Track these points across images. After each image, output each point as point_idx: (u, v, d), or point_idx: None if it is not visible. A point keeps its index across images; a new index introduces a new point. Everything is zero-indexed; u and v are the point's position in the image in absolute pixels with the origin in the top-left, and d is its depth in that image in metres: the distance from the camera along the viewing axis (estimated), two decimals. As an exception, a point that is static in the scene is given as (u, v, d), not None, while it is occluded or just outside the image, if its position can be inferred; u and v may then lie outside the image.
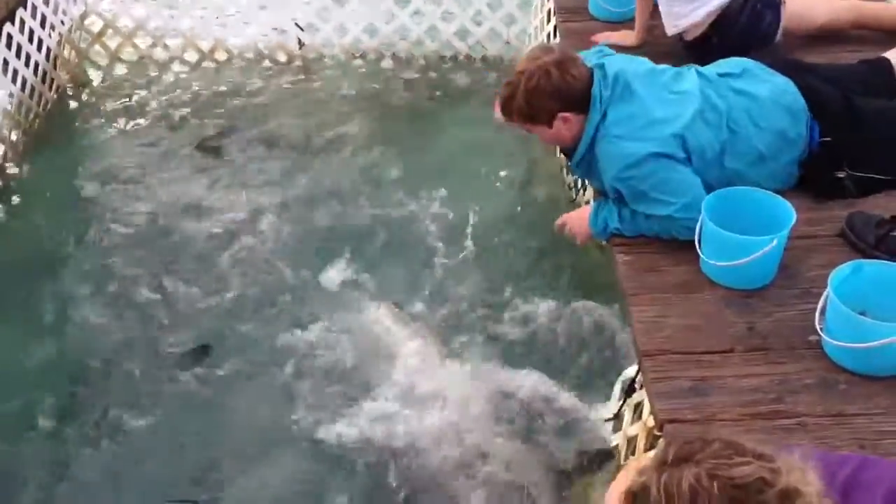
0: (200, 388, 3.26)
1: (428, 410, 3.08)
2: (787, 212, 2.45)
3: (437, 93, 5.09)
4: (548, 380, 3.18)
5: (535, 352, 3.33)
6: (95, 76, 5.37)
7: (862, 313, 2.18)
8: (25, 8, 4.71)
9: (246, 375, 3.30)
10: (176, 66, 5.42)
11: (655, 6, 3.52)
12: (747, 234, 2.40)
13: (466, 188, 4.21)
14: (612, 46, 3.51)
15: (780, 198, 2.52)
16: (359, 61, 5.42)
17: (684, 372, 2.24)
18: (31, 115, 4.78)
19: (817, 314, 2.28)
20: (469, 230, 3.95)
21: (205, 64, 5.43)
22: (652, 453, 2.07)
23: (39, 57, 4.86)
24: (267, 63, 5.42)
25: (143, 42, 5.43)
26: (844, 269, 2.26)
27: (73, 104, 5.12)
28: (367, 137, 4.68)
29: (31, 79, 4.75)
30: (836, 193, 2.75)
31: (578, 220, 2.86)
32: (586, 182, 3.43)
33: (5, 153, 4.46)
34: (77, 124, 4.96)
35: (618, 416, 2.89)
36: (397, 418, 3.07)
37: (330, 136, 4.71)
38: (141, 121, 4.91)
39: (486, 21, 5.30)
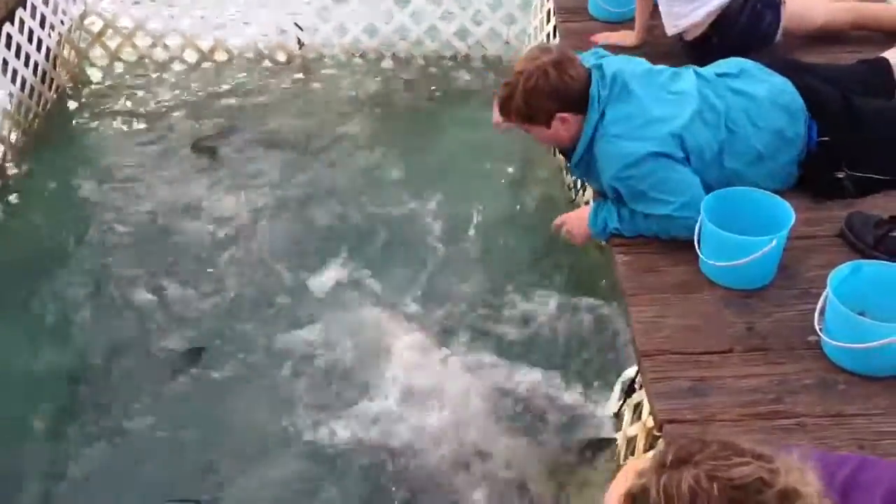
0: (200, 388, 3.27)
1: (427, 409, 3.09)
2: (787, 212, 2.46)
3: (437, 93, 5.09)
4: (548, 378, 3.19)
5: (535, 351, 3.33)
6: (95, 76, 5.37)
7: (861, 314, 2.18)
8: (25, 8, 4.71)
9: (244, 376, 3.30)
10: (176, 67, 5.41)
11: (655, 6, 3.53)
12: (746, 235, 2.40)
13: (466, 188, 4.22)
14: (611, 47, 3.53)
15: (779, 198, 2.53)
16: (359, 61, 5.42)
17: (683, 372, 2.24)
18: (31, 115, 4.78)
19: (816, 314, 2.28)
20: (469, 230, 3.96)
21: (204, 64, 5.43)
22: (651, 453, 2.08)
23: (39, 57, 4.86)
24: (267, 63, 5.42)
25: (142, 42, 5.43)
26: (843, 269, 2.26)
27: (72, 104, 5.12)
28: (366, 137, 4.68)
29: (30, 79, 4.75)
30: (835, 193, 2.75)
31: (577, 220, 2.86)
32: (585, 182, 3.43)
33: (4, 153, 4.46)
34: (76, 124, 4.96)
35: (618, 416, 2.89)
36: (396, 418, 3.08)
37: (329, 136, 4.71)
38: (140, 121, 4.91)
39: (485, 21, 5.30)
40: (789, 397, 2.16)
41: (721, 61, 2.90)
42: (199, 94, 5.15)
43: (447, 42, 5.38)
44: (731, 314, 2.41)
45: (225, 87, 5.22)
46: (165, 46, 5.43)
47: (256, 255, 3.89)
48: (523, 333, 3.41)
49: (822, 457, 1.39)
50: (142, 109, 5.01)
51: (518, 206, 4.13)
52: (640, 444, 2.45)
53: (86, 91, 5.23)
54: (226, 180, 4.38)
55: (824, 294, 2.23)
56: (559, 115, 2.65)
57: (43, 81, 4.91)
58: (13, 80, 4.58)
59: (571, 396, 3.13)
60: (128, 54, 5.43)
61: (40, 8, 4.87)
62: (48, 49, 4.98)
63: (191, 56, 5.44)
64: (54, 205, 4.27)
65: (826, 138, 2.73)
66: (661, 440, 2.18)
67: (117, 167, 4.52)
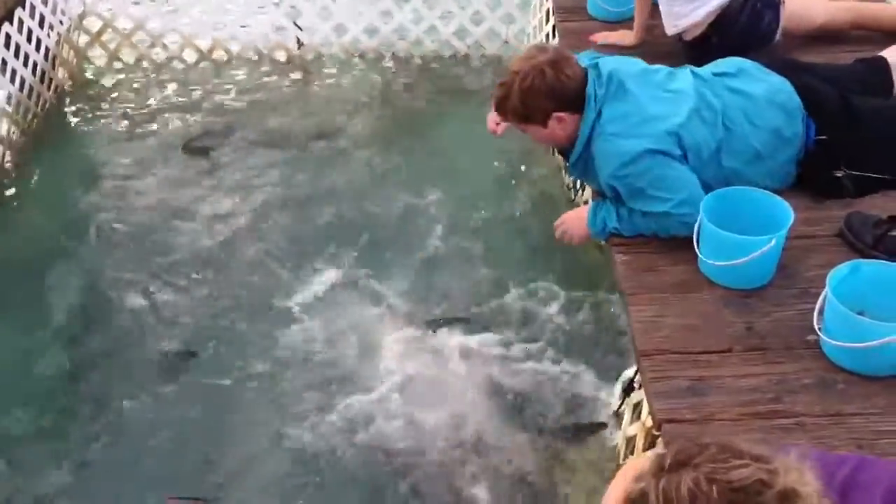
0: (198, 387, 3.27)
1: (426, 406, 3.11)
2: (786, 212, 2.46)
3: (436, 92, 5.09)
4: (547, 376, 3.20)
5: (535, 349, 3.34)
6: (94, 76, 5.37)
7: (860, 313, 2.19)
8: (24, 8, 4.71)
9: (243, 374, 3.31)
10: (175, 66, 5.41)
11: (654, 6, 3.53)
12: (745, 234, 2.40)
13: (465, 187, 4.22)
14: (610, 46, 3.54)
15: (778, 198, 2.53)
16: (358, 61, 5.43)
17: (682, 372, 2.24)
18: (30, 115, 4.78)
19: (815, 314, 2.28)
20: (468, 229, 3.97)
21: (203, 64, 5.43)
22: (650, 452, 2.08)
23: (38, 57, 4.86)
24: (266, 63, 5.42)
25: (141, 42, 5.43)
26: (843, 268, 2.27)
27: (71, 104, 5.11)
28: (365, 137, 4.68)
29: (29, 79, 4.75)
30: (834, 193, 2.76)
31: (576, 220, 2.86)
32: (584, 182, 3.44)
33: (3, 153, 4.46)
34: (75, 124, 4.96)
35: (617, 416, 2.89)
36: (395, 413, 3.09)
37: (328, 135, 4.71)
38: (139, 120, 4.90)
39: (484, 21, 5.31)
40: (788, 397, 2.16)
41: (719, 61, 2.90)
42: (198, 94, 5.15)
43: (446, 42, 5.38)
44: (731, 314, 2.41)
45: (224, 86, 5.22)
46: (164, 46, 5.43)
47: (254, 254, 3.89)
48: (523, 330, 3.42)
49: (821, 456, 1.39)
50: (140, 109, 5.01)
51: (517, 206, 4.13)
52: (640, 443, 2.45)
53: (85, 91, 5.23)
54: (225, 180, 4.38)
55: (823, 293, 2.23)
56: (556, 114, 2.65)
57: (42, 81, 4.91)
58: (12, 80, 4.57)
59: (571, 391, 3.14)
60: (127, 54, 5.43)
61: (39, 8, 4.87)
62: (47, 49, 4.98)
63: (190, 56, 5.44)
64: (53, 204, 4.27)
65: (824, 137, 2.73)
66: (660, 439, 2.18)
67: (116, 167, 4.52)
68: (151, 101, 5.09)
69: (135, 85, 5.27)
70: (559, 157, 3.86)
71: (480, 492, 2.83)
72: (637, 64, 2.80)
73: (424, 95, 5.08)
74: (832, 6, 3.55)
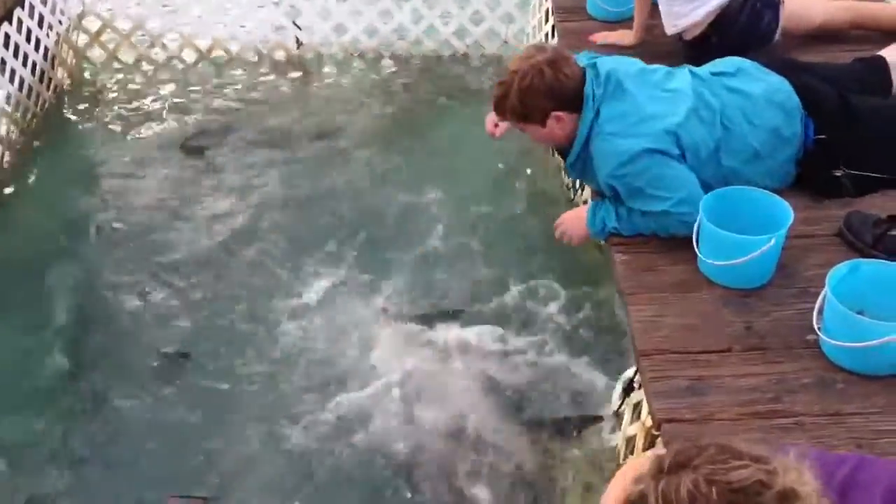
0: (198, 387, 3.27)
1: (425, 404, 3.11)
2: (785, 211, 2.46)
3: (436, 92, 5.09)
4: (547, 373, 3.21)
5: (535, 346, 3.34)
6: (93, 76, 5.36)
7: (860, 312, 2.19)
8: (23, 7, 4.71)
9: (242, 374, 3.31)
10: (174, 66, 5.41)
11: (654, 6, 3.53)
12: (745, 234, 2.40)
13: (465, 187, 4.22)
14: (609, 46, 3.54)
15: (777, 197, 2.53)
16: (357, 60, 5.43)
17: (682, 371, 2.24)
18: (29, 115, 4.77)
19: (815, 313, 2.28)
20: (467, 228, 3.97)
21: (203, 64, 5.43)
22: (650, 452, 2.08)
23: (37, 57, 4.86)
24: (265, 63, 5.41)
25: (141, 42, 5.42)
26: (842, 268, 2.27)
27: (70, 104, 5.11)
28: (364, 137, 4.68)
29: (28, 79, 4.75)
30: (833, 192, 2.76)
31: (575, 220, 2.86)
32: (583, 182, 3.44)
33: (3, 153, 4.46)
34: (74, 124, 4.95)
35: (617, 416, 2.89)
36: (394, 412, 3.09)
37: (327, 135, 4.71)
38: (138, 121, 4.90)
39: (484, 20, 5.31)
40: (788, 396, 2.16)
41: (718, 60, 2.91)
42: (198, 93, 5.15)
43: (446, 41, 5.38)
44: (730, 313, 2.41)
45: (223, 86, 5.22)
46: (164, 46, 5.43)
47: (254, 254, 3.89)
48: (522, 328, 3.43)
49: (821, 456, 1.39)
50: (140, 109, 5.01)
51: (517, 205, 4.13)
52: (640, 443, 2.45)
53: (84, 91, 5.23)
54: (224, 180, 4.38)
55: (823, 293, 2.23)
56: (554, 113, 2.65)
57: (41, 81, 4.91)
58: (11, 80, 4.57)
59: (570, 388, 3.16)
60: (126, 54, 5.43)
61: (38, 8, 4.87)
62: (46, 49, 4.98)
63: (189, 56, 5.44)
64: (51, 204, 4.26)
65: (823, 136, 2.73)
66: (659, 439, 2.18)
67: (115, 167, 4.52)
68: (151, 101, 5.08)
69: (134, 85, 5.26)
70: (559, 157, 3.86)
71: (479, 489, 2.84)
72: (635, 64, 2.81)
73: (424, 95, 5.07)
74: (831, 6, 3.55)
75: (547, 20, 4.48)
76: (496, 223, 4.01)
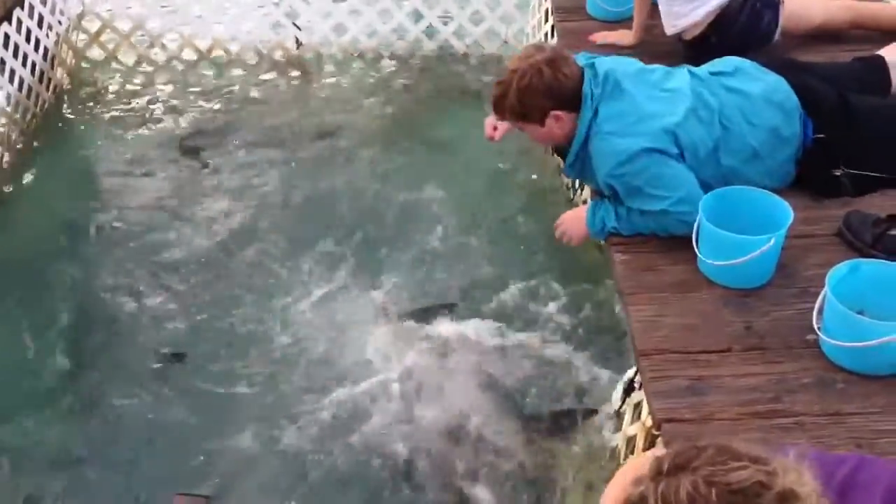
0: (198, 386, 3.27)
1: (424, 401, 3.12)
2: (785, 211, 2.45)
3: (436, 92, 5.09)
4: (547, 369, 3.22)
5: (534, 343, 3.35)
6: (93, 76, 5.36)
7: (860, 312, 2.18)
8: (23, 8, 4.71)
9: (241, 374, 3.31)
10: (174, 66, 5.41)
11: (654, 6, 3.53)
12: (745, 234, 2.39)
13: (464, 187, 4.23)
14: (609, 46, 3.54)
15: (777, 197, 2.52)
16: (357, 60, 5.42)
17: (682, 371, 2.24)
18: (29, 115, 4.77)
19: (815, 313, 2.28)
20: (467, 228, 3.97)
21: (202, 63, 5.43)
22: (649, 452, 2.08)
23: (37, 57, 4.86)
24: (265, 63, 5.41)
25: (140, 42, 5.42)
26: (842, 268, 2.26)
27: (70, 104, 5.11)
28: (364, 137, 4.68)
29: (28, 79, 4.75)
30: (833, 191, 2.76)
31: (574, 220, 2.86)
32: (582, 182, 3.44)
33: (2, 153, 4.46)
34: (74, 124, 4.95)
35: (619, 416, 2.89)
36: (393, 410, 3.10)
37: (327, 135, 4.71)
38: (138, 121, 4.90)
39: (484, 21, 5.30)
40: (788, 396, 2.15)
41: (717, 60, 2.91)
42: (198, 93, 5.15)
43: (446, 42, 5.38)
44: (730, 313, 2.41)
45: (223, 86, 5.22)
46: (163, 46, 5.43)
47: (253, 254, 3.89)
48: (521, 326, 3.43)
49: (821, 456, 1.39)
50: (139, 109, 5.01)
51: (516, 205, 4.13)
52: (640, 443, 2.45)
53: (83, 91, 5.22)
54: (223, 180, 4.38)
55: (823, 293, 2.23)
56: (553, 113, 2.65)
57: (41, 81, 4.91)
58: (11, 80, 4.57)
59: (570, 385, 3.16)
60: (126, 54, 5.43)
61: (38, 8, 4.87)
62: (46, 49, 4.98)
63: (189, 56, 5.44)
64: (51, 204, 4.26)
65: (822, 135, 2.73)
66: (659, 439, 2.18)
67: (114, 167, 4.53)
68: (150, 101, 5.09)
69: (134, 85, 5.26)
70: (558, 158, 3.86)
71: (480, 488, 2.85)
72: (633, 64, 2.81)
73: (424, 95, 5.08)
74: (831, 6, 3.55)
75: (546, 20, 4.48)
76: (496, 223, 4.01)
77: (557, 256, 3.68)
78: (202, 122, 4.87)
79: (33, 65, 4.82)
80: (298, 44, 5.43)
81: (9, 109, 4.54)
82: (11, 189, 4.38)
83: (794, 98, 2.74)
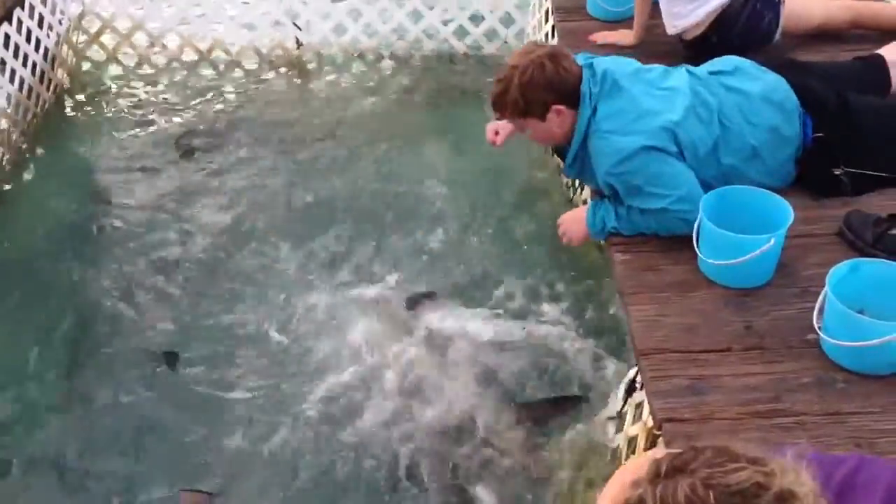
0: (196, 383, 3.27)
1: (424, 398, 3.13)
2: (785, 210, 2.45)
3: (436, 92, 5.09)
4: (547, 370, 3.23)
5: (535, 344, 3.34)
6: (93, 76, 5.36)
7: (860, 312, 2.19)
8: (23, 8, 4.71)
9: (241, 373, 3.30)
10: (174, 66, 5.41)
11: (654, 5, 3.53)
12: (745, 233, 2.39)
13: (464, 187, 4.22)
14: (609, 46, 3.54)
15: (777, 196, 2.53)
16: (357, 61, 5.42)
17: (682, 371, 2.24)
18: (29, 115, 4.77)
19: (815, 313, 2.28)
20: (467, 228, 3.97)
21: (203, 63, 5.42)
22: (649, 452, 2.08)
23: (37, 57, 4.85)
24: (265, 63, 5.41)
25: (141, 42, 5.42)
26: (842, 267, 2.26)
27: (70, 104, 5.11)
28: (363, 136, 4.68)
29: (28, 79, 4.75)
30: (833, 191, 2.76)
31: (574, 221, 2.86)
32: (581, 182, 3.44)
33: (3, 153, 4.46)
34: (74, 124, 4.95)
35: (620, 416, 2.89)
36: (393, 407, 3.11)
37: (326, 135, 4.71)
38: (138, 121, 4.90)
39: (484, 21, 5.30)
40: (788, 396, 2.15)
41: (716, 59, 2.91)
42: (198, 93, 5.14)
43: (446, 42, 5.37)
44: (730, 313, 2.41)
45: (223, 86, 5.22)
46: (164, 46, 5.42)
47: (252, 253, 3.89)
48: (520, 324, 3.43)
49: (820, 456, 1.39)
50: (139, 109, 5.01)
51: (516, 205, 4.13)
52: (641, 443, 2.45)
53: (83, 91, 5.22)
54: (223, 180, 4.38)
55: (823, 292, 2.23)
56: (555, 107, 2.65)
57: (41, 81, 4.90)
58: (11, 81, 4.57)
59: (571, 380, 3.18)
60: (126, 54, 5.43)
61: (38, 8, 4.87)
62: (46, 49, 4.98)
63: (189, 56, 5.43)
64: (51, 204, 4.25)
65: (822, 135, 2.73)
66: (660, 439, 2.18)
67: (114, 167, 4.52)
68: (150, 101, 5.09)
69: (134, 85, 5.26)
70: (558, 158, 3.87)
71: (478, 485, 2.85)
72: (631, 64, 2.81)
73: (424, 95, 5.07)
74: (831, 5, 3.55)
75: (547, 20, 4.47)
76: (495, 222, 4.01)
77: (557, 256, 3.68)
78: (202, 121, 4.87)
79: (34, 65, 4.82)
80: (298, 44, 5.43)
81: (9, 110, 4.54)
82: (11, 188, 4.38)
83: (794, 97, 2.74)
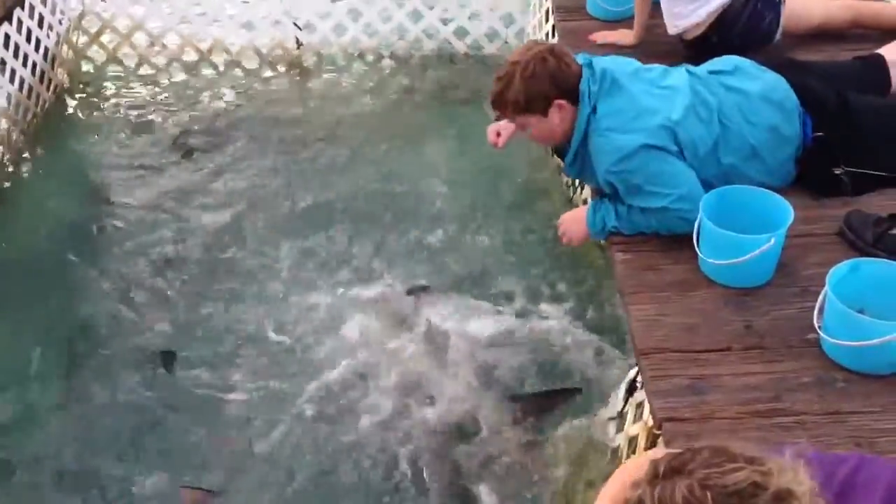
0: (197, 385, 3.27)
1: (423, 396, 3.13)
2: (785, 210, 2.45)
3: (436, 92, 5.09)
4: (546, 369, 3.23)
5: (535, 343, 3.34)
6: (93, 76, 5.36)
7: (860, 311, 2.18)
8: (23, 8, 4.71)
9: (240, 372, 3.31)
10: (174, 66, 5.41)
11: (654, 5, 3.53)
12: (745, 233, 2.39)
13: (464, 187, 4.23)
14: (609, 46, 3.54)
15: (778, 196, 2.52)
16: (357, 61, 5.43)
17: (682, 370, 2.24)
18: (29, 115, 4.78)
19: (815, 312, 2.28)
20: (466, 228, 3.97)
21: (203, 63, 5.43)
22: (649, 452, 2.08)
23: (37, 57, 4.86)
24: (265, 63, 5.41)
25: (141, 42, 5.42)
26: (842, 267, 2.26)
27: (70, 104, 5.12)
28: (363, 136, 4.68)
29: (28, 79, 4.75)
30: (833, 190, 2.75)
31: (574, 221, 2.85)
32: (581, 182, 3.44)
33: (3, 153, 4.46)
34: (74, 124, 4.96)
35: (621, 416, 2.89)
36: (392, 405, 3.11)
37: (326, 135, 4.71)
38: (138, 120, 4.91)
39: (484, 20, 5.30)
40: (788, 395, 2.15)
41: (716, 59, 2.91)
42: (198, 93, 5.15)
43: (445, 41, 5.37)
44: (730, 312, 2.41)
45: (223, 86, 5.22)
46: (164, 46, 5.42)
47: (251, 253, 3.90)
48: (520, 326, 3.42)
49: (821, 456, 1.39)
50: (139, 109, 5.01)
51: (516, 204, 4.13)
52: (641, 443, 2.45)
53: (84, 91, 5.23)
54: (223, 180, 4.38)
55: (823, 292, 2.23)
56: (557, 101, 2.64)
57: (41, 81, 4.91)
58: (11, 80, 4.57)
59: (570, 384, 3.17)
60: (126, 54, 5.43)
61: (38, 8, 4.87)
62: (46, 49, 4.98)
63: (189, 56, 5.43)
64: (51, 204, 4.26)
65: (822, 134, 2.73)
66: (660, 439, 2.17)
67: (114, 166, 4.52)
68: (150, 101, 5.09)
69: (134, 85, 5.26)
70: (558, 158, 3.87)
71: (478, 483, 2.85)
72: (631, 63, 2.81)
73: (424, 95, 5.07)
74: (831, 5, 3.55)
75: (547, 20, 4.47)
76: (495, 222, 4.01)
77: (557, 256, 3.68)
78: (202, 121, 4.87)
79: (34, 65, 4.82)
80: (299, 44, 5.43)
81: (9, 109, 4.54)
82: (11, 188, 4.38)
83: (794, 97, 2.74)
